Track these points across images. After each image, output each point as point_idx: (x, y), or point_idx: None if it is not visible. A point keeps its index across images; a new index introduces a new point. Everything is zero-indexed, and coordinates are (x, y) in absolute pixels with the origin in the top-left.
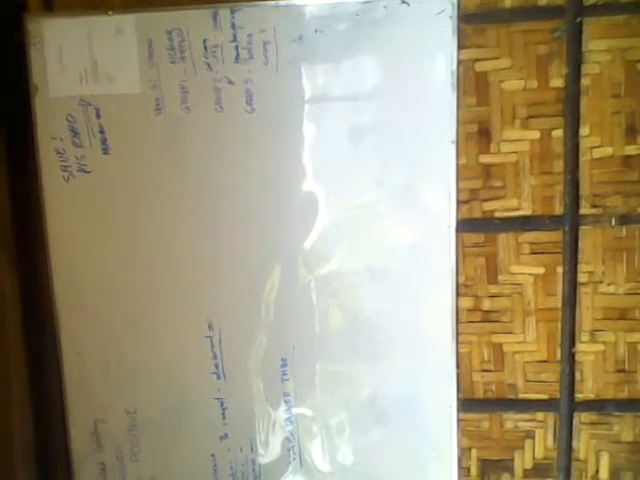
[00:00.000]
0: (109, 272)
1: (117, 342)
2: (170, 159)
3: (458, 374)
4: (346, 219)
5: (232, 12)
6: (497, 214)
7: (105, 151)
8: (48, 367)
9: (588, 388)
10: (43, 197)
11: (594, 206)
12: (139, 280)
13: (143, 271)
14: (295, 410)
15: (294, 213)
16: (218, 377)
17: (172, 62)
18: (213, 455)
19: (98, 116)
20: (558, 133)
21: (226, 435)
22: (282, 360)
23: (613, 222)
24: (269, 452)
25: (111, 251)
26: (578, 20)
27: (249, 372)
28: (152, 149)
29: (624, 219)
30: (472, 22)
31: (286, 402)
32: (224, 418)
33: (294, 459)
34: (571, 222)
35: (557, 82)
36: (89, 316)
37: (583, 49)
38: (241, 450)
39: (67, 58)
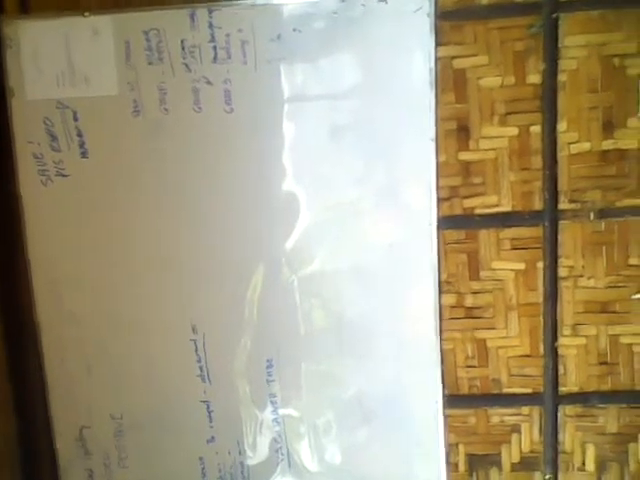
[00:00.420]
0: (90, 276)
1: (100, 347)
2: (149, 161)
3: (443, 370)
4: (327, 219)
5: (210, 12)
6: (477, 211)
7: (83, 154)
8: (31, 374)
9: (572, 381)
10: (22, 202)
11: (573, 201)
12: (121, 284)
13: (125, 274)
14: (282, 411)
15: (275, 213)
16: (203, 380)
17: (150, 63)
18: (201, 458)
19: (75, 119)
20: (536, 129)
21: (213, 438)
22: (267, 361)
23: (592, 216)
24: (257, 454)
25: (92, 255)
26: (554, 16)
27: (234, 374)
28: (131, 151)
29: (603, 213)
30: (449, 19)
31: (272, 403)
32: (211, 421)
33: (282, 460)
34: (550, 217)
35: (534, 78)
36: (71, 321)
37: (559, 45)
38: (229, 453)
39: (43, 60)
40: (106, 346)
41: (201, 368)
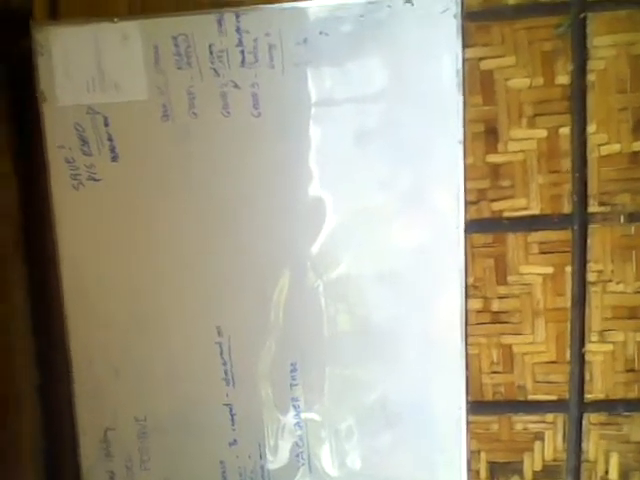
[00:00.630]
0: (119, 279)
1: (127, 349)
2: (178, 165)
3: (467, 376)
4: (353, 223)
5: (237, 16)
6: (506, 214)
7: (114, 159)
8: (59, 375)
9: (598, 388)
10: (53, 206)
11: (602, 204)
12: (149, 286)
13: (153, 277)
14: (304, 415)
15: (302, 217)
16: (227, 383)
17: (179, 68)
18: (222, 462)
19: (106, 124)
20: (565, 131)
21: (235, 441)
22: (291, 365)
23: (622, 220)
24: (278, 458)
25: (121, 258)
26: (582, 16)
27: (258, 378)
28: (160, 155)
29: (633, 217)
30: (476, 20)
31: (295, 407)
32: (233, 424)
33: (303, 465)
34: (580, 221)
35: (563, 79)
36: (99, 323)
37: (588, 45)
38: (250, 457)
39: (74, 66)
40: (132, 348)
41: (225, 371)
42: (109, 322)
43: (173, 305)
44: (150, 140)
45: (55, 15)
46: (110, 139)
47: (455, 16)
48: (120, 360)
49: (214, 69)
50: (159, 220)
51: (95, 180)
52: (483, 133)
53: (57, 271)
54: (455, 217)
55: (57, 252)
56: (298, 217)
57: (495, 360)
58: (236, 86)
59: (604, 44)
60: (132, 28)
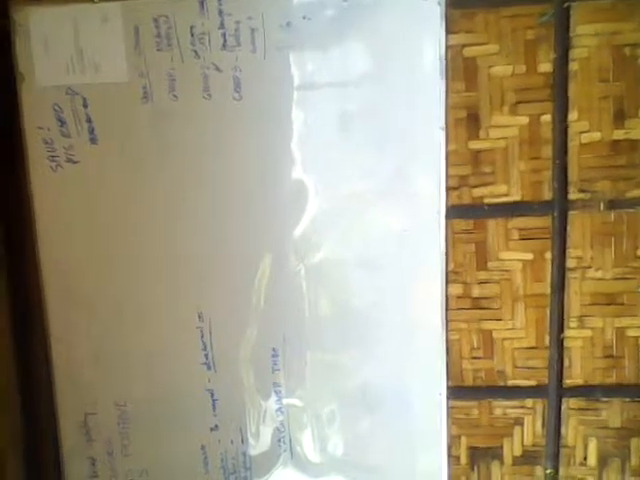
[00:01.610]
0: (98, 262)
1: (107, 334)
2: (158, 147)
3: (448, 362)
4: (335, 207)
5: None
6: (486, 200)
7: (93, 141)
8: (37, 360)
9: (576, 374)
10: (31, 188)
11: (582, 191)
12: (129, 270)
13: (132, 261)
14: (286, 401)
15: (284, 201)
16: (208, 368)
17: (159, 50)
18: (203, 447)
19: (85, 105)
20: (547, 118)
21: (216, 427)
22: (273, 350)
23: (602, 207)
24: (260, 443)
25: (100, 241)
26: (565, 5)
27: (239, 363)
28: (140, 137)
29: (612, 204)
30: (460, 7)
31: (276, 393)
32: (214, 409)
33: (285, 450)
34: (560, 207)
35: (545, 67)
36: (78, 307)
37: (571, 34)
38: (232, 442)
39: (53, 46)
40: (113, 333)
41: (206, 356)
42: (88, 305)
43: (153, 289)
44: (130, 122)
45: None
46: (89, 120)
47: (439, 3)
48: (100, 344)
49: (195, 51)
50: (138, 203)
51: (73, 162)
52: (465, 119)
53: (35, 254)
54: (437, 203)
55: (35, 235)
56: (280, 201)
57: (475, 345)
58: (217, 69)
59: (587, 33)
60: (112, 9)
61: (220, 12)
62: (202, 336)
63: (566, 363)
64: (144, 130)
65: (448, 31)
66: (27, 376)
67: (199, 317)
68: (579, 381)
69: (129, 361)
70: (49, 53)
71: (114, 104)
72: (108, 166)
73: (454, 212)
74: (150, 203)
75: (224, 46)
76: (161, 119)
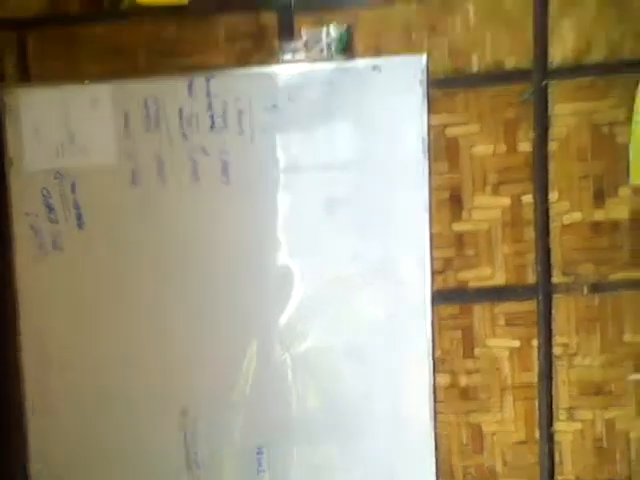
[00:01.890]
0: (82, 352)
1: (88, 425)
2: (145, 231)
3: (437, 457)
4: (321, 293)
5: (207, 80)
6: (471, 284)
7: (80, 226)
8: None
9: (568, 470)
10: (16, 276)
11: (566, 274)
12: (113, 361)
13: (117, 351)
14: None
15: (269, 287)
16: (189, 468)
17: (147, 131)
18: None
19: (73, 190)
20: (528, 198)
21: None
22: (258, 449)
23: (585, 291)
24: None
25: (85, 331)
26: (544, 83)
27: (224, 462)
28: (127, 221)
29: (596, 287)
30: (442, 87)
31: None
32: None
33: None
34: (544, 291)
35: (525, 146)
36: (60, 398)
37: (549, 113)
38: None
39: (43, 130)
40: (94, 424)
41: (189, 456)
42: (71, 397)
43: (137, 379)
44: (117, 206)
45: (26, 77)
46: (76, 206)
47: (421, 83)
48: (84, 442)
49: (183, 133)
50: (124, 290)
51: (60, 249)
52: (448, 201)
53: (17, 342)
54: (422, 288)
55: (18, 322)
56: (266, 287)
57: (465, 441)
58: (205, 152)
59: (565, 112)
60: (102, 91)
61: (208, 93)
62: (185, 435)
63: (557, 458)
64: (131, 213)
65: (430, 111)
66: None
67: (183, 413)
68: (571, 477)
69: (112, 455)
70: (39, 136)
71: (102, 188)
72: (94, 251)
73: (440, 297)
74: (135, 289)
75: (212, 128)
76: (149, 202)
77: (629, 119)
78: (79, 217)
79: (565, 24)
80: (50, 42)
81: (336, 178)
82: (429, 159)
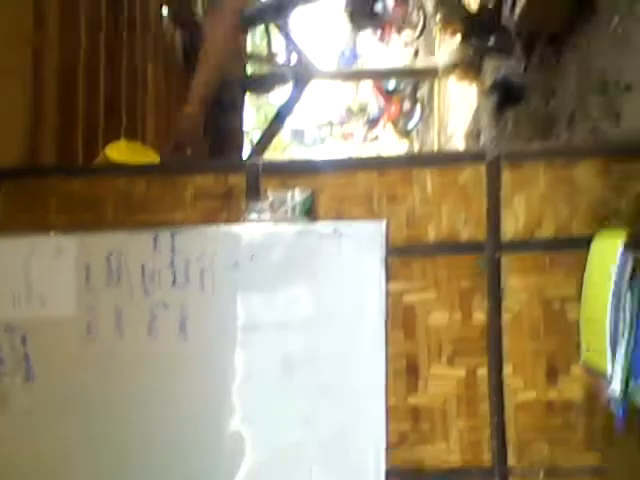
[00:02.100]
0: None
1: None
2: (98, 386)
3: None
4: (272, 463)
5: (172, 235)
6: (427, 463)
7: (28, 379)
8: None
9: None
10: None
11: (521, 455)
12: None
13: None
14: None
15: (221, 455)
16: None
17: (109, 285)
18: None
19: (24, 342)
20: (483, 372)
21: None
22: None
23: (541, 475)
24: None
25: None
26: (497, 256)
27: None
28: (80, 376)
29: (551, 472)
30: (400, 255)
31: None
32: None
33: None
34: (500, 474)
35: (480, 315)
36: None
37: (502, 285)
38: None
39: (1, 280)
40: None
41: None
42: None
43: None
44: (70, 359)
45: None
46: (26, 359)
47: (380, 249)
48: None
49: (145, 288)
50: (74, 449)
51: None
52: (404, 370)
53: None
54: (376, 464)
55: None
56: (216, 454)
57: None
58: (165, 306)
59: (518, 286)
60: (67, 242)
61: (172, 248)
62: None
63: None
64: (85, 367)
65: (388, 277)
66: None
67: None
68: None
69: None
70: None
71: (56, 341)
72: (42, 407)
73: (393, 475)
74: (86, 448)
75: (173, 283)
76: (104, 357)
77: (579, 295)
78: (28, 370)
79: (516, 200)
80: (22, 193)
81: (293, 339)
82: (386, 327)
